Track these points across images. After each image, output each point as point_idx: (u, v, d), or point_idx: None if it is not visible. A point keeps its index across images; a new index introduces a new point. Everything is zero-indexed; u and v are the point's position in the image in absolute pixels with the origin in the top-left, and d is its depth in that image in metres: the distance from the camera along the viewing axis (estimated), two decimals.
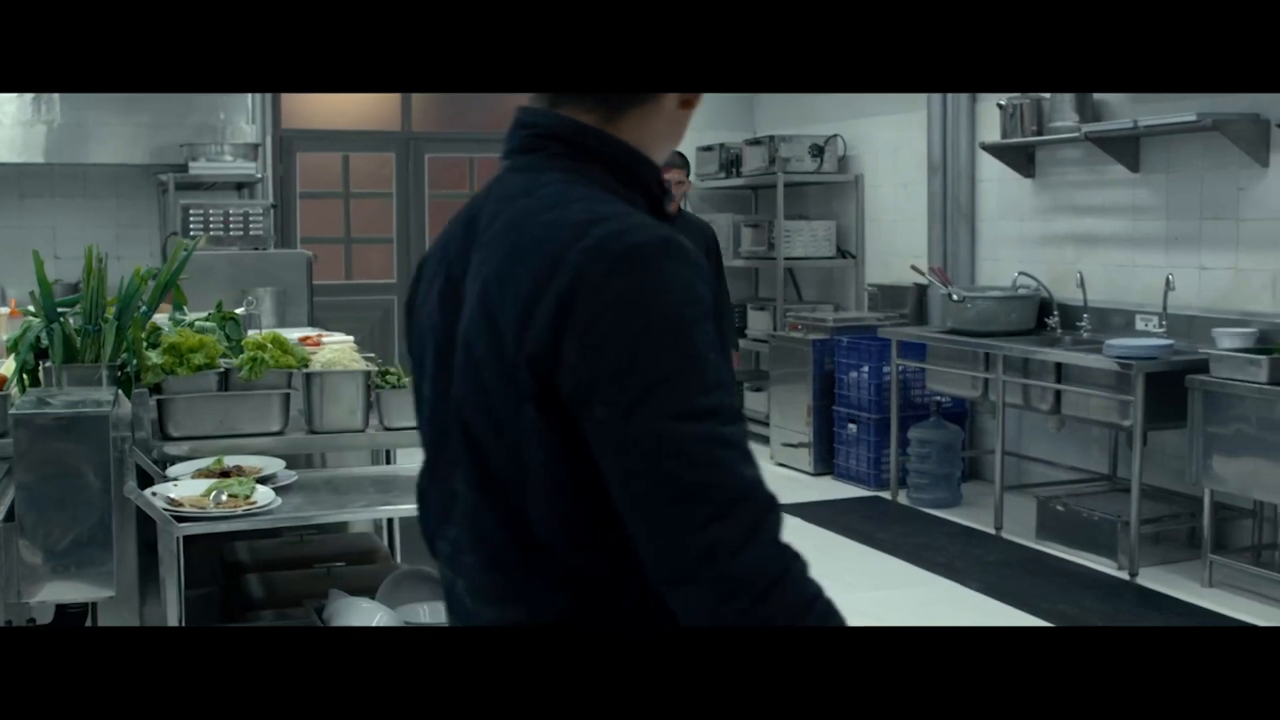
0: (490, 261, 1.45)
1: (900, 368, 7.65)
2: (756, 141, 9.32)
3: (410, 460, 4.22)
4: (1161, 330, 6.52)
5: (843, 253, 9.30)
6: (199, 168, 8.28)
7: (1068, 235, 7.41)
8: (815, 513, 7.32)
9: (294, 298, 7.00)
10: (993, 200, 7.95)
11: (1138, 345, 6.11)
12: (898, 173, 8.78)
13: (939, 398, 7.67)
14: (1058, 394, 6.58)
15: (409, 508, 3.61)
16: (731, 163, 9.62)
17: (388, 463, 4.64)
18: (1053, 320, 7.24)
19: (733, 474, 1.36)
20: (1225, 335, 6.04)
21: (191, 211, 7.18)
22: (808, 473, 8.29)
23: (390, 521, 5.08)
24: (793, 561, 1.40)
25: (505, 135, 1.62)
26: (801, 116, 9.62)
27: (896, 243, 8.82)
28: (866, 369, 7.93)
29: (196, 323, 4.08)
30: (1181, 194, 6.66)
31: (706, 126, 10.14)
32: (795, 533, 6.36)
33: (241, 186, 8.88)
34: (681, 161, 6.55)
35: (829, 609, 1.44)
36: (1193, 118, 6.10)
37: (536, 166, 1.53)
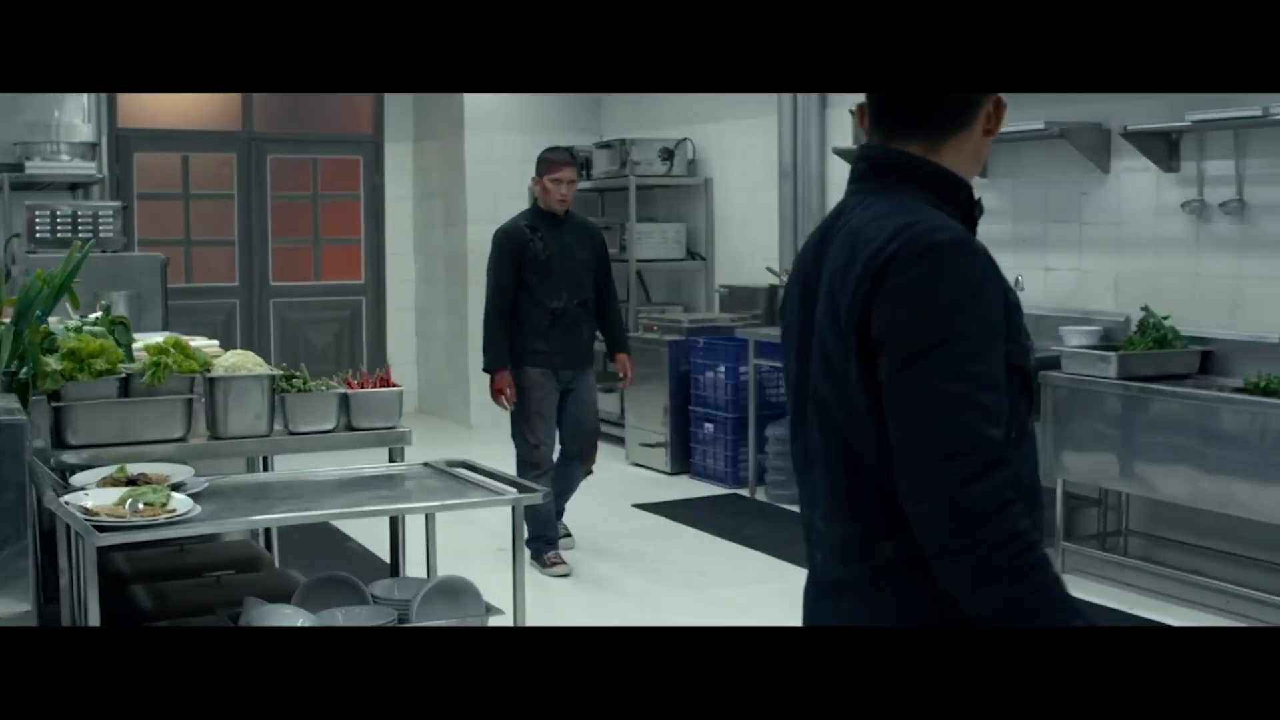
0: (835, 260, 1.87)
1: (758, 367, 7.80)
2: (607, 145, 9.41)
3: (318, 463, 4.19)
4: None
5: (692, 255, 9.44)
6: (35, 167, 7.99)
7: None
8: (678, 511, 7.43)
9: (148, 302, 6.82)
10: None
11: None
12: (747, 176, 8.96)
13: None
14: None
15: (328, 512, 3.59)
16: (581, 165, 9.67)
17: (265, 469, 4.58)
18: None
19: (972, 427, 1.71)
20: (1072, 333, 6.34)
21: (38, 213, 6.92)
22: (665, 472, 8.40)
23: (267, 530, 5.02)
24: (1008, 505, 1.71)
25: (852, 164, 2.03)
26: (649, 120, 9.73)
27: (746, 245, 8.99)
28: (723, 369, 8.07)
29: (85, 327, 3.96)
30: (1027, 198, 6.96)
31: (554, 129, 10.19)
32: (659, 530, 6.50)
33: (76, 187, 8.59)
34: (572, 159, 6.38)
35: (1033, 548, 1.72)
36: (1041, 126, 6.38)
37: (874, 190, 1.92)
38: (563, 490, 6.40)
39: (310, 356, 9.76)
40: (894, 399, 1.75)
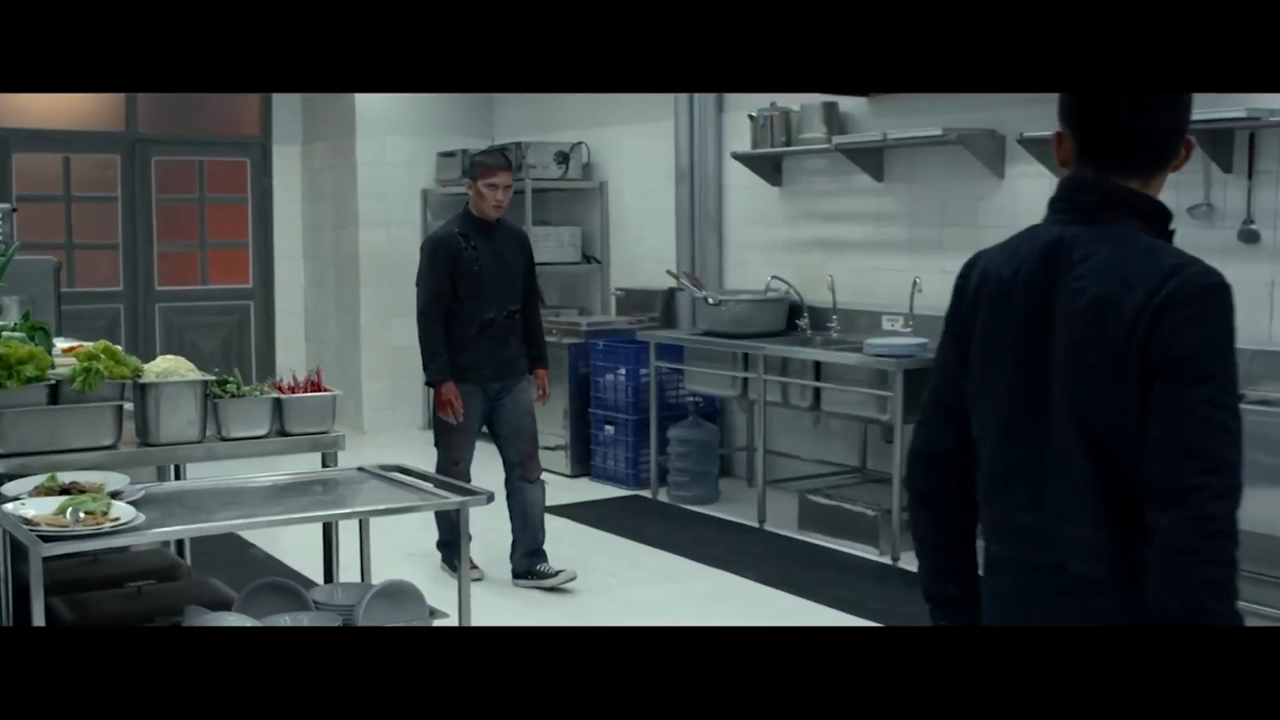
0: (1096, 286, 2.05)
1: (658, 369, 7.87)
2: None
3: (250, 469, 4.13)
4: (909, 330, 6.96)
5: (587, 258, 9.48)
6: None
7: (815, 241, 7.81)
8: (580, 513, 7.46)
9: (41, 306, 6.62)
10: (740, 207, 8.29)
11: (897, 344, 6.51)
12: (643, 180, 9.02)
13: (696, 398, 7.94)
14: (817, 391, 6.93)
15: (280, 518, 3.54)
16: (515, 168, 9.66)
17: (160, 479, 4.48)
18: (803, 322, 7.61)
19: (1227, 449, 1.96)
20: None
21: None
22: (565, 475, 8.42)
23: (181, 541, 4.94)
24: (1236, 528, 1.94)
25: (1062, 195, 2.18)
26: (543, 123, 9.75)
27: (642, 248, 9.06)
28: (624, 371, 8.12)
29: (4, 333, 3.87)
30: (923, 202, 7.14)
31: (445, 131, 10.17)
32: (565, 533, 6.49)
33: None
34: (508, 163, 6.06)
35: (1232, 581, 1.94)
36: (939, 132, 6.56)
37: (1104, 220, 2.11)
38: (525, 519, 6.06)
39: (198, 362, 9.49)
40: (1166, 417, 1.98)
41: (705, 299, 7.63)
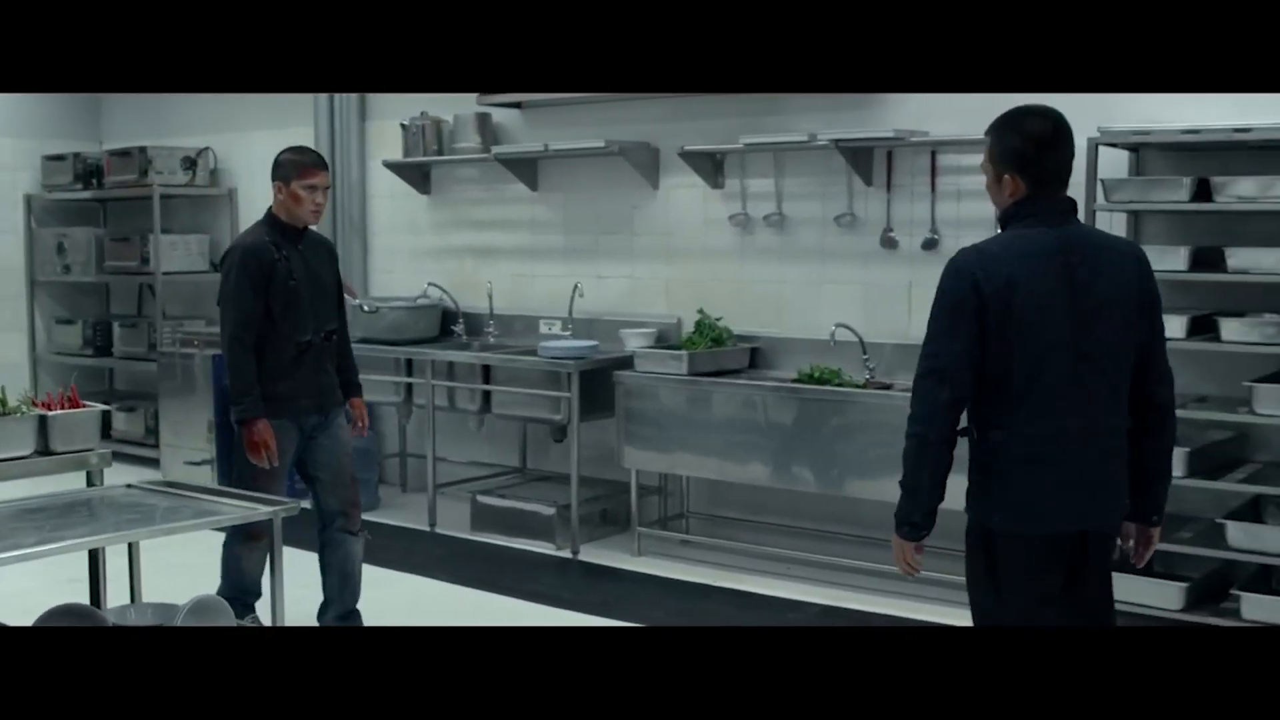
0: (1106, 263, 3.21)
1: None
2: (124, 153, 8.99)
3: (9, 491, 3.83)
4: (567, 334, 7.26)
5: (216, 267, 9.20)
6: None
7: (467, 248, 7.98)
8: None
9: None
10: (386, 215, 8.34)
11: (571, 346, 6.80)
12: None
13: None
14: (486, 395, 7.11)
15: (81, 541, 3.37)
16: (90, 173, 9.19)
17: None
18: (458, 327, 7.78)
19: None
20: (631, 335, 6.90)
21: None
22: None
23: None
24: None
25: (1048, 210, 3.22)
26: (160, 126, 9.41)
27: None
28: None
29: None
30: (579, 211, 7.47)
31: (50, 134, 9.62)
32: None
33: None
34: (325, 163, 5.30)
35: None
36: (602, 144, 6.91)
37: (1071, 222, 3.27)
38: (345, 577, 5.24)
39: None
40: (1159, 339, 3.30)
41: (361, 306, 7.65)
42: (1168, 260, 5.03)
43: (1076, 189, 5.35)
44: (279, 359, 4.99)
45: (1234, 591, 5.03)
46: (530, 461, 7.78)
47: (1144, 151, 5.51)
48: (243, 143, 9.06)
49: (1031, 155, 3.17)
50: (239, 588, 5.08)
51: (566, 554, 6.74)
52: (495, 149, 7.42)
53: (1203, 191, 5.13)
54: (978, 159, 5.85)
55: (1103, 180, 5.31)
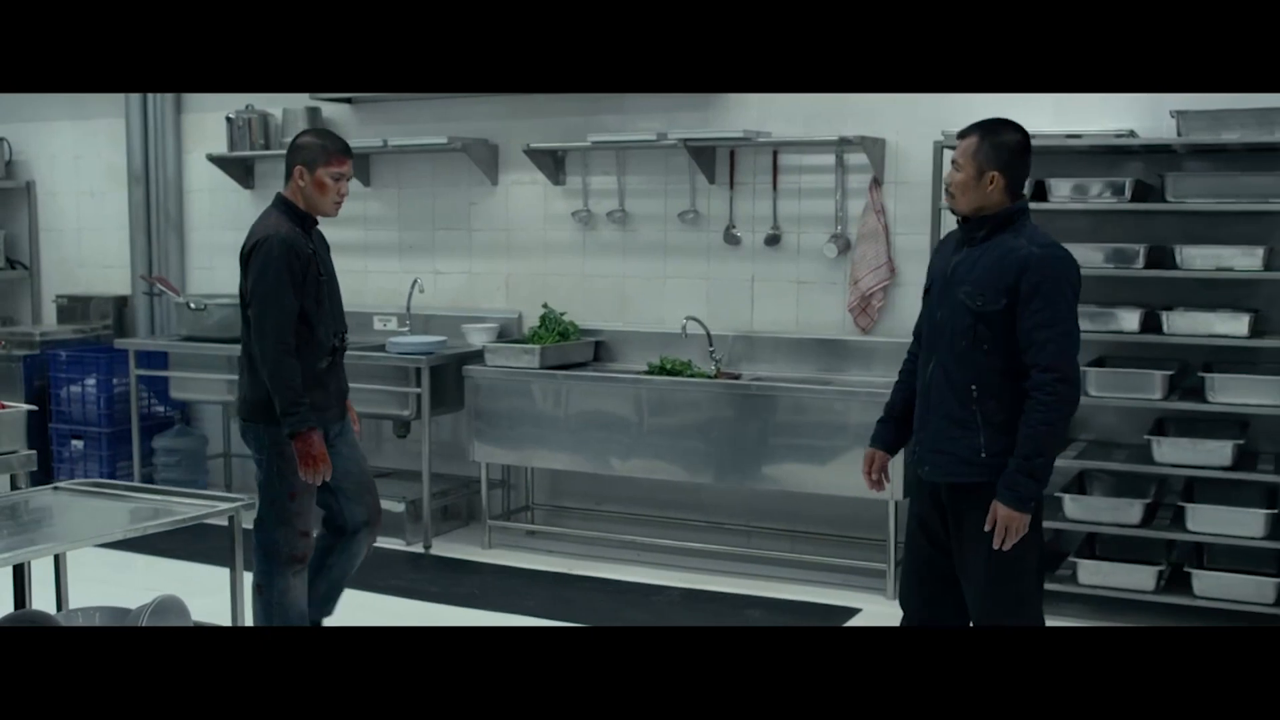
0: (979, 265, 3.66)
1: (139, 377, 7.59)
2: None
3: None
4: (405, 330, 7.27)
5: (13, 263, 8.84)
6: None
7: None
8: None
9: None
10: (205, 210, 8.16)
11: (421, 342, 6.82)
12: (81, 180, 8.59)
13: (177, 406, 7.75)
14: None
15: (41, 548, 3.29)
16: None
17: None
18: None
19: None
20: (474, 330, 6.97)
21: None
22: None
23: None
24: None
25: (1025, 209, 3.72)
26: None
27: (84, 252, 8.63)
28: (93, 381, 7.74)
29: None
30: (414, 207, 7.48)
31: None
32: (97, 560, 5.78)
33: None
34: (350, 149, 4.82)
35: None
36: (444, 140, 6.95)
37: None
38: (340, 579, 4.88)
39: None
40: (1029, 327, 3.61)
41: (188, 304, 7.48)
42: None
43: (923, 189, 5.81)
44: (312, 365, 4.51)
45: (1071, 559, 5.49)
46: (370, 459, 7.74)
47: None
48: (43, 133, 8.71)
49: (1021, 159, 3.64)
50: (294, 622, 4.60)
51: (419, 549, 6.78)
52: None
53: (1039, 192, 5.55)
54: (819, 159, 6.27)
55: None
